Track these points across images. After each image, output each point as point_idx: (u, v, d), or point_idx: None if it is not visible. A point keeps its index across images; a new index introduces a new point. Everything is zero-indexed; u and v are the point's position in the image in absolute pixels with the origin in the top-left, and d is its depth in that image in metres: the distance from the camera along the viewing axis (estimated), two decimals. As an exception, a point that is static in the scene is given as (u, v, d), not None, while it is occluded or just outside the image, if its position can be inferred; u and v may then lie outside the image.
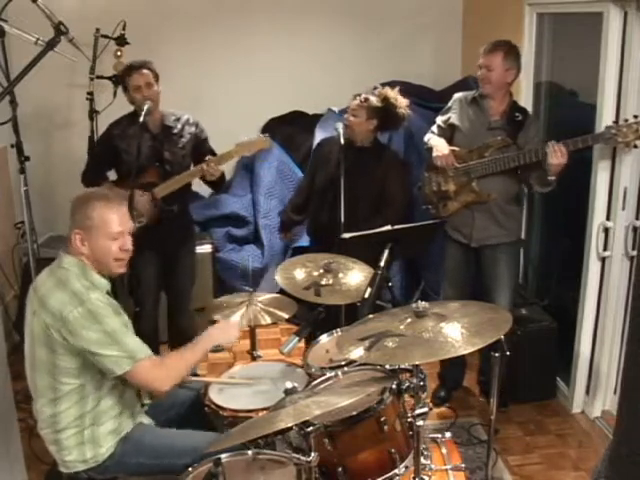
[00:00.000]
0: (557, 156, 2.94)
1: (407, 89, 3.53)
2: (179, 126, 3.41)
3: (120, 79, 3.37)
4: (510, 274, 3.38)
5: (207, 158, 3.27)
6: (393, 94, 3.35)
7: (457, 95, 3.41)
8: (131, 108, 3.35)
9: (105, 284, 2.27)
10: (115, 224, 2.22)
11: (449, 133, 3.38)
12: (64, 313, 2.10)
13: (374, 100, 3.32)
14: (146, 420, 2.43)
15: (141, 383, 2.21)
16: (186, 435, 2.35)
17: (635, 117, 2.88)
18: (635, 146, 2.95)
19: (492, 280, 3.35)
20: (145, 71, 3.25)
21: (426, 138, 3.47)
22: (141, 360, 2.15)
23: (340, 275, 2.73)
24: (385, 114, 3.34)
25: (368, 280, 2.51)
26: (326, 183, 3.41)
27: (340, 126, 3.28)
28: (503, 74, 3.15)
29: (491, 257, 3.34)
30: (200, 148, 3.43)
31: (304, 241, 4.16)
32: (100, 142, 3.47)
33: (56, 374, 2.17)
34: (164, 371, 2.20)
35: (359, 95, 3.36)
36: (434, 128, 3.47)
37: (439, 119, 3.46)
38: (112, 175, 3.51)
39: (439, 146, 3.33)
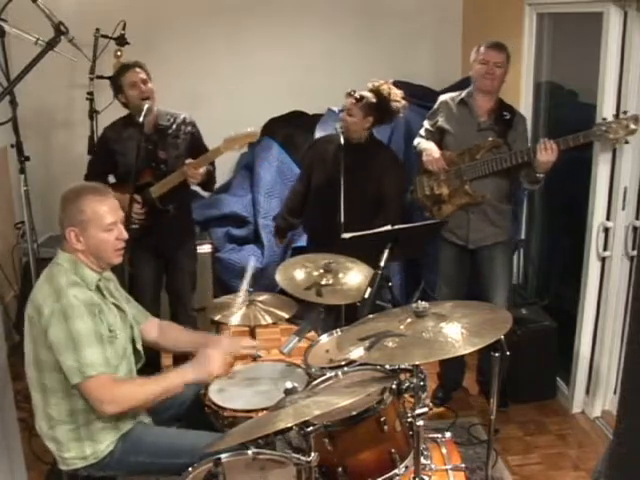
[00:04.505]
0: (547, 153, 2.94)
1: (407, 89, 3.52)
2: (174, 126, 3.39)
3: (113, 81, 3.32)
4: (506, 273, 3.39)
5: (187, 161, 3.22)
6: (386, 87, 3.29)
7: (443, 97, 3.39)
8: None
9: (95, 278, 2.26)
10: (108, 215, 2.23)
11: (438, 136, 3.37)
12: (43, 307, 2.13)
13: (369, 97, 3.27)
14: (146, 419, 2.43)
15: (89, 399, 2.14)
16: (186, 435, 2.36)
17: (624, 113, 2.89)
18: (626, 142, 2.95)
19: (489, 280, 3.35)
20: (138, 69, 3.25)
21: (415, 142, 3.46)
22: (91, 377, 2.10)
23: (340, 275, 2.73)
24: (380, 109, 3.29)
25: (368, 280, 2.51)
26: (323, 183, 3.39)
27: (339, 126, 3.28)
28: (505, 74, 3.18)
29: (487, 257, 3.34)
30: (197, 147, 3.41)
31: (303, 241, 4.16)
32: (97, 147, 3.47)
33: (40, 367, 2.19)
34: (113, 395, 2.13)
35: (353, 92, 3.29)
36: (422, 132, 3.46)
37: (427, 123, 3.45)
38: (111, 179, 3.50)
39: (429, 150, 3.32)
